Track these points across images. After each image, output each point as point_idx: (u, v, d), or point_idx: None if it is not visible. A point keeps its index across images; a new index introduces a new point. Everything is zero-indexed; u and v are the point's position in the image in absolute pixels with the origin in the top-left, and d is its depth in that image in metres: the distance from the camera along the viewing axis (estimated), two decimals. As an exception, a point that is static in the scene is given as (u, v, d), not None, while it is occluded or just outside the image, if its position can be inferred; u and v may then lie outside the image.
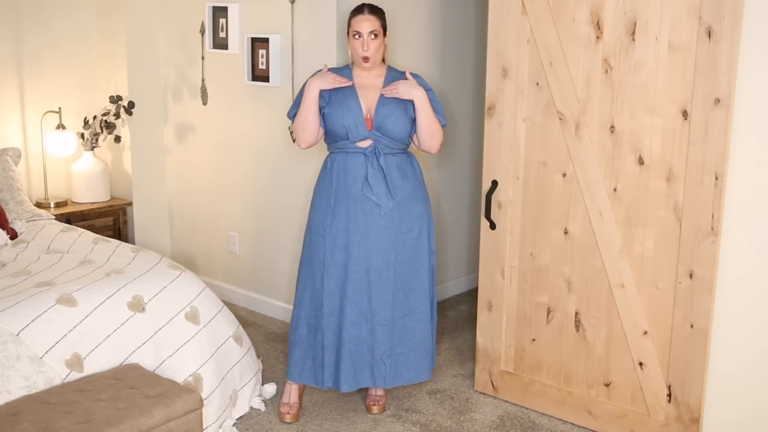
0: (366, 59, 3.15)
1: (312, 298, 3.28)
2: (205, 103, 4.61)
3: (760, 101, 2.78)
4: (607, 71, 3.07)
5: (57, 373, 2.75)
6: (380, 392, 3.49)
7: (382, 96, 3.18)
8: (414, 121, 3.20)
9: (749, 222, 2.87)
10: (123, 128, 4.79)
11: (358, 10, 3.17)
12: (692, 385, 3.02)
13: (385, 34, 3.19)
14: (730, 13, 2.74)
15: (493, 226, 3.46)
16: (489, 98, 3.40)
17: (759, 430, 2.94)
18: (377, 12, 3.17)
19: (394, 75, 3.26)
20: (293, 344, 3.35)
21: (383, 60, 3.27)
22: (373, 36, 3.12)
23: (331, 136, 3.24)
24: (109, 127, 4.64)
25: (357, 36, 3.14)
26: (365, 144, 3.18)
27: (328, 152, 3.32)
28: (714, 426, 3.04)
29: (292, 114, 3.30)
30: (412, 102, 3.17)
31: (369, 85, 3.22)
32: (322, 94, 3.22)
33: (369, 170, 3.16)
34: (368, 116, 3.18)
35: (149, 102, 4.77)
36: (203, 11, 4.49)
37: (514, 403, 3.54)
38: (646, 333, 3.11)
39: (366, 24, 3.12)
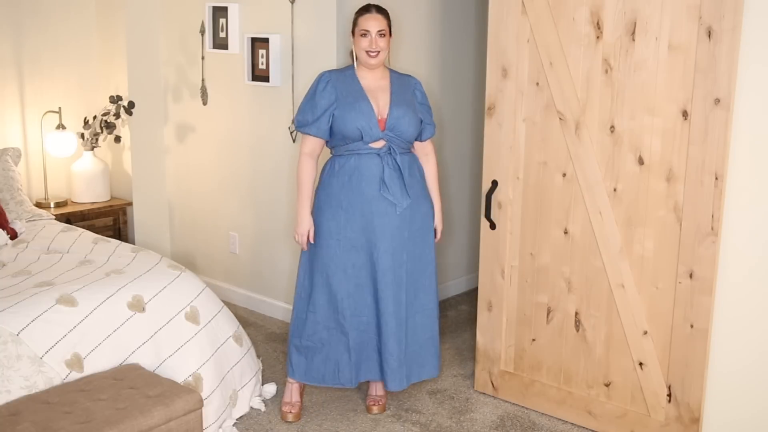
0: (371, 54, 3.16)
1: (330, 302, 3.27)
2: (205, 103, 4.61)
3: (760, 101, 2.78)
4: (607, 71, 3.07)
5: (57, 373, 2.75)
6: (380, 392, 3.49)
7: (394, 97, 3.21)
8: (421, 122, 3.29)
9: (749, 222, 2.87)
10: (123, 128, 4.79)
11: (365, 10, 3.19)
12: (692, 385, 3.02)
13: (390, 35, 3.22)
14: (730, 13, 2.74)
15: (493, 226, 3.46)
16: (489, 98, 3.40)
17: (759, 430, 2.94)
18: (384, 12, 3.20)
19: (399, 77, 3.29)
20: (311, 349, 3.32)
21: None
22: (381, 35, 3.15)
23: (341, 139, 3.20)
24: (109, 127, 4.64)
25: (364, 34, 3.15)
26: (378, 145, 3.19)
27: (331, 155, 3.31)
28: (714, 426, 3.04)
29: (300, 121, 3.26)
30: (417, 103, 3.30)
31: (377, 87, 3.24)
32: (320, 95, 3.21)
33: (385, 170, 3.18)
34: (380, 117, 3.19)
35: (149, 102, 4.77)
36: (203, 11, 4.49)
37: (514, 403, 3.54)
38: (646, 333, 3.11)
39: (374, 23, 3.15)
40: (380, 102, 3.21)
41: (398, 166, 3.19)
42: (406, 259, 3.26)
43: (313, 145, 3.28)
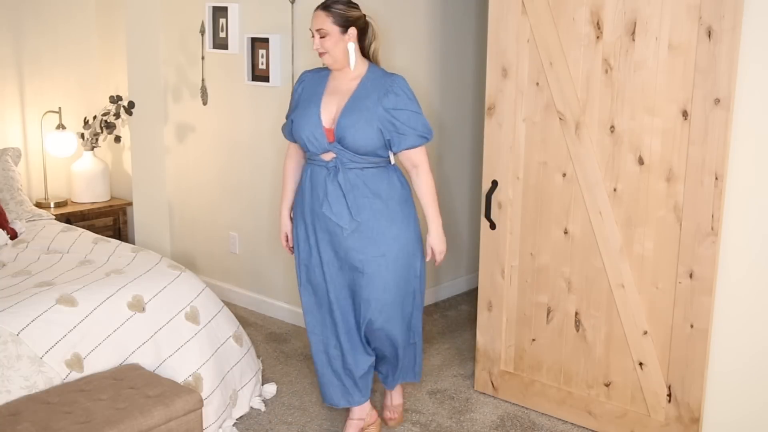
0: (320, 55, 2.88)
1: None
2: (205, 103, 4.61)
3: (760, 101, 2.78)
4: (607, 71, 3.07)
5: (57, 373, 2.75)
6: (397, 401, 3.36)
7: (348, 103, 2.85)
8: (381, 132, 2.85)
9: (749, 222, 2.87)
10: (123, 128, 4.79)
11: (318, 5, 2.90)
12: (692, 385, 3.02)
13: (345, 32, 2.84)
14: (730, 13, 2.74)
15: (493, 226, 3.46)
16: (489, 98, 3.40)
17: (759, 430, 2.94)
18: (330, 8, 2.83)
19: (377, 78, 2.89)
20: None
21: (372, 60, 2.96)
22: (321, 35, 2.83)
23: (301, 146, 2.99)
24: (109, 127, 4.64)
25: (312, 34, 2.88)
26: (328, 157, 2.88)
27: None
28: (714, 426, 3.04)
29: (286, 133, 3.06)
30: (383, 108, 2.84)
31: (340, 90, 2.90)
32: (293, 96, 3.02)
33: (328, 186, 2.87)
34: (329, 126, 2.87)
35: (149, 102, 4.77)
36: (203, 11, 4.49)
37: (514, 403, 3.54)
38: (646, 333, 3.11)
39: (315, 21, 2.84)
40: (335, 108, 2.87)
41: (339, 184, 2.85)
42: (365, 284, 2.93)
43: (294, 147, 3.10)
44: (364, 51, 2.96)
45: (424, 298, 3.22)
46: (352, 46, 2.87)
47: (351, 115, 2.83)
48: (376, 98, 2.84)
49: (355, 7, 2.89)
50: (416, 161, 2.94)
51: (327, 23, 2.82)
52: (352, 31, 2.85)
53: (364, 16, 2.92)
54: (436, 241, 3.03)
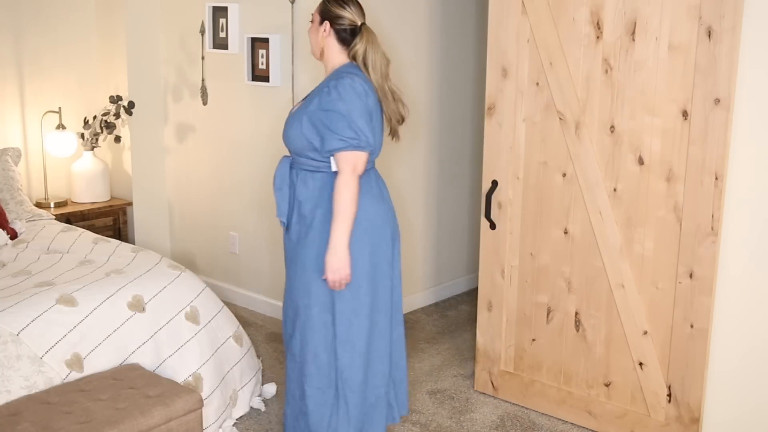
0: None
1: None
2: (205, 103, 4.61)
3: (760, 101, 2.78)
4: (607, 71, 3.07)
5: (57, 373, 2.75)
6: None
7: (302, 103, 2.77)
8: (303, 132, 2.69)
9: (749, 222, 2.87)
10: (123, 128, 4.79)
11: None
12: (692, 385, 3.02)
13: (321, 24, 2.73)
14: (730, 13, 2.74)
15: (493, 226, 3.46)
16: (489, 98, 3.40)
17: (759, 430, 2.94)
18: None
19: (331, 77, 2.71)
20: None
21: (352, 57, 2.73)
22: (310, 19, 2.82)
23: None
24: (109, 127, 4.64)
25: None
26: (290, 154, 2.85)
27: None
28: (714, 426, 3.04)
29: None
30: (309, 112, 2.67)
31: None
32: None
33: (276, 178, 2.82)
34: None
35: (149, 102, 4.77)
36: (203, 11, 4.49)
37: (514, 403, 3.54)
38: (646, 333, 3.12)
39: None
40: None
41: (288, 178, 2.77)
42: (295, 294, 2.80)
43: None
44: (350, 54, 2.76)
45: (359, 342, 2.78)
46: (330, 42, 2.74)
47: (294, 113, 2.75)
48: (313, 97, 2.70)
49: (344, 6, 2.72)
50: (339, 166, 2.63)
51: (316, 10, 2.79)
52: (326, 25, 2.72)
53: (352, 20, 2.72)
54: (329, 256, 2.62)
